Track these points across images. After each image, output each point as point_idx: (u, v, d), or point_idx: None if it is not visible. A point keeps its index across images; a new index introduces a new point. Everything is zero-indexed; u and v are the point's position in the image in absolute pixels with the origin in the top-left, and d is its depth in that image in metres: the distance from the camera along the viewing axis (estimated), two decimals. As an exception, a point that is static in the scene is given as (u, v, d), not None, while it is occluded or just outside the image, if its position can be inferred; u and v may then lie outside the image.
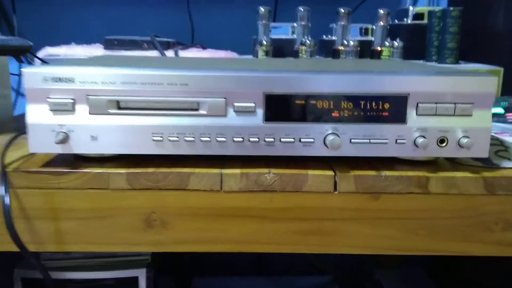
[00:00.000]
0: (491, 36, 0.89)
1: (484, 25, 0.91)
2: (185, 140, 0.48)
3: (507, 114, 0.73)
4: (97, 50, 0.94)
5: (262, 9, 0.92)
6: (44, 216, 0.49)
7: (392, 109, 0.47)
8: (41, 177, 0.48)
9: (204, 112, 0.47)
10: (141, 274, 0.71)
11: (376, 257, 1.28)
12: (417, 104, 0.47)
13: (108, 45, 0.93)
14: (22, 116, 0.75)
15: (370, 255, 1.20)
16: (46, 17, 1.21)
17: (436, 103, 0.47)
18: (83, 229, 0.49)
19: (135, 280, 0.71)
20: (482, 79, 0.47)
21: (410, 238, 0.50)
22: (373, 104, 0.47)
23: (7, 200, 0.47)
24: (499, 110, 0.73)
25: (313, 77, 0.47)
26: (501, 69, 0.81)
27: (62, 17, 1.21)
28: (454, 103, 0.47)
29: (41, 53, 0.89)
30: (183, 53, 0.94)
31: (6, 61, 0.79)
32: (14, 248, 0.48)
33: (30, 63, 1.03)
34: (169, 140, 0.48)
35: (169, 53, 0.91)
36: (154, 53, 0.90)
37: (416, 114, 0.48)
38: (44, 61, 0.74)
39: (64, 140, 0.47)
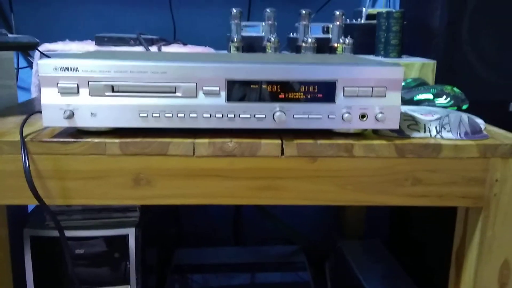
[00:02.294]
0: (430, 33, 1.03)
1: (425, 23, 1.06)
2: (165, 116, 0.61)
3: (435, 99, 0.87)
4: (89, 46, 1.06)
5: (234, 10, 1.06)
6: (54, 176, 0.62)
7: (324, 91, 0.62)
8: (51, 146, 0.61)
9: (180, 95, 0.61)
10: (130, 233, 0.84)
11: (340, 229, 1.43)
12: (344, 88, 0.62)
13: (99, 41, 1.05)
14: (25, 103, 0.88)
15: (333, 227, 1.36)
16: (41, 16, 1.31)
17: (358, 87, 0.62)
18: (84, 186, 0.63)
19: (125, 237, 0.84)
20: (392, 69, 0.61)
21: (341, 192, 0.64)
22: (310, 88, 0.62)
23: (26, 163, 0.60)
24: (429, 96, 0.87)
25: (264, 67, 0.61)
26: (434, 62, 0.96)
27: (56, 16, 1.32)
28: (372, 87, 0.62)
29: (40, 48, 1.01)
30: (166, 49, 1.06)
31: (12, 55, 0.91)
32: (33, 201, 0.61)
33: (29, 57, 1.15)
34: (153, 116, 0.61)
35: (153, 49, 1.04)
36: (140, 49, 1.03)
37: (343, 95, 0.62)
38: (46, 55, 0.87)
39: (70, 116, 0.60)
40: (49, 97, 0.60)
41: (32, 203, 0.62)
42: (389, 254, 1.24)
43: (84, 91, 0.60)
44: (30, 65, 1.32)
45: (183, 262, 1.16)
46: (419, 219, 1.22)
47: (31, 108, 0.83)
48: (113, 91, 0.60)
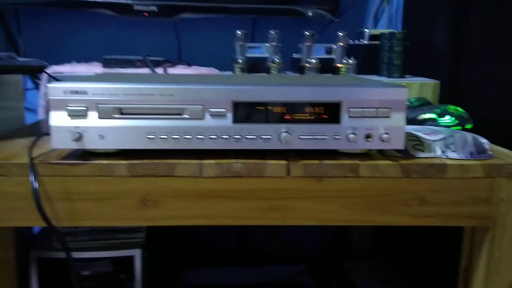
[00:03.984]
0: (433, 54, 1.04)
1: (428, 43, 1.07)
2: (172, 138, 0.62)
3: (439, 119, 0.88)
4: (96, 68, 1.08)
5: (239, 32, 1.07)
6: (62, 198, 0.63)
7: (329, 112, 0.62)
8: (60, 168, 0.62)
9: (187, 116, 0.62)
10: (137, 254, 0.84)
11: (346, 248, 1.42)
12: (348, 108, 0.62)
13: (106, 63, 1.07)
14: (33, 125, 0.89)
15: (340, 247, 1.35)
16: (48, 38, 1.33)
17: (362, 108, 0.62)
18: (92, 208, 0.63)
19: (131, 258, 0.84)
20: (396, 90, 0.62)
21: (347, 212, 0.64)
22: (316, 109, 0.62)
23: (35, 185, 0.60)
24: (433, 115, 0.88)
25: (270, 89, 0.62)
26: (438, 82, 0.97)
27: (63, 38, 1.34)
28: (376, 108, 0.62)
29: (47, 71, 1.03)
30: (171, 70, 1.08)
31: (19, 78, 0.93)
32: (41, 223, 0.61)
33: (37, 79, 1.17)
34: (160, 138, 0.62)
35: (159, 70, 1.05)
36: (146, 70, 1.04)
37: (348, 116, 0.62)
38: (55, 78, 0.88)
39: (79, 138, 0.61)
40: (58, 120, 0.61)
41: (40, 225, 0.63)
42: (396, 275, 1.23)
43: (92, 114, 0.61)
44: (36, 86, 1.33)
45: (190, 283, 1.15)
46: (425, 239, 1.22)
47: (38, 130, 0.84)
48: (121, 113, 0.61)
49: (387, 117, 0.63)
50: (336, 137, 0.63)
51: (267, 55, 1.11)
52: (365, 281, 1.21)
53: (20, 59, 0.75)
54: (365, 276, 1.25)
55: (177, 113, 0.62)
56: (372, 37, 1.13)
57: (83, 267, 0.84)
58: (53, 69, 1.04)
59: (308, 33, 1.07)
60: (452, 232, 0.78)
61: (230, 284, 1.18)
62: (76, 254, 0.83)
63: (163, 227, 0.99)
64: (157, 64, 1.06)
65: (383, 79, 1.03)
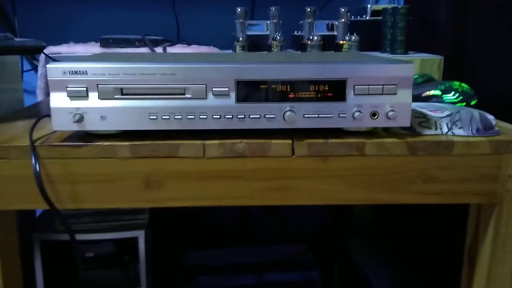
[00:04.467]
0: (436, 29, 1.03)
1: (431, 18, 1.05)
2: (175, 118, 0.61)
3: (444, 95, 0.87)
4: (94, 48, 1.06)
5: (239, 9, 1.05)
6: (64, 180, 0.62)
7: (334, 90, 0.61)
8: (61, 150, 0.61)
9: (189, 96, 0.61)
10: (140, 235, 0.84)
11: (347, 226, 1.43)
12: (354, 86, 0.61)
13: (104, 43, 1.05)
14: (32, 107, 0.88)
15: (341, 226, 1.35)
16: (44, 18, 1.31)
17: (368, 85, 0.61)
18: (95, 190, 0.62)
19: (135, 240, 0.84)
20: (403, 66, 0.61)
21: (352, 191, 0.64)
22: (320, 87, 0.61)
23: (37, 168, 0.60)
24: (437, 92, 0.87)
25: (274, 67, 0.61)
26: (441, 58, 0.96)
27: (60, 18, 1.32)
28: (382, 85, 0.61)
29: (45, 51, 1.01)
30: (170, 49, 1.06)
31: (17, 59, 0.91)
32: (44, 206, 0.61)
33: (34, 60, 1.15)
34: (162, 119, 0.61)
35: (158, 50, 1.03)
36: (145, 50, 1.02)
37: (353, 94, 0.61)
38: (52, 59, 0.86)
39: (80, 120, 0.60)
40: (58, 101, 0.60)
41: (42, 208, 0.62)
42: (397, 253, 1.24)
43: (93, 94, 0.60)
44: (34, 68, 1.31)
45: (191, 263, 1.15)
46: (428, 217, 1.22)
47: (38, 112, 0.83)
48: (122, 94, 0.60)
49: (394, 94, 0.61)
50: (341, 115, 0.62)
51: (267, 32, 1.09)
52: (366, 259, 1.22)
53: (17, 39, 0.73)
54: (366, 255, 1.25)
55: (179, 93, 0.60)
56: (374, 13, 1.11)
57: (86, 249, 0.84)
58: (50, 49, 1.03)
59: (309, 9, 1.05)
60: (455, 210, 0.78)
61: (232, 264, 1.19)
62: (79, 236, 0.82)
63: (165, 209, 0.98)
64: (156, 43, 1.05)
65: (386, 55, 1.02)
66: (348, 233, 1.42)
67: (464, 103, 0.82)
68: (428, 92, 0.85)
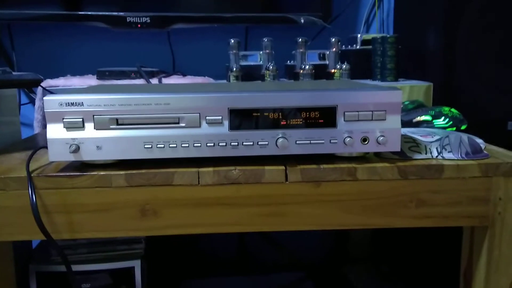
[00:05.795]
0: (425, 56, 1.05)
1: (420, 46, 1.08)
2: (170, 147, 0.62)
3: (434, 120, 0.89)
4: (91, 80, 1.08)
5: (232, 40, 1.08)
6: (60, 210, 0.62)
7: (325, 117, 0.63)
8: (58, 180, 0.62)
9: (183, 125, 0.62)
10: (136, 265, 0.84)
11: (345, 251, 1.42)
12: (344, 112, 0.63)
13: (101, 75, 1.07)
14: (29, 139, 0.89)
15: (340, 253, 1.35)
16: (42, 52, 1.34)
17: (358, 111, 0.63)
18: (91, 219, 0.63)
19: (131, 270, 0.84)
20: (391, 93, 0.63)
21: (346, 216, 0.64)
22: (311, 114, 0.63)
23: (33, 198, 0.60)
24: (428, 117, 0.89)
25: (265, 95, 0.62)
26: (431, 84, 0.98)
27: (57, 52, 1.34)
28: (372, 111, 0.63)
29: (42, 84, 1.03)
30: (166, 80, 1.08)
31: (15, 92, 0.93)
32: (40, 237, 0.61)
33: (32, 93, 1.17)
34: (157, 147, 0.62)
35: (154, 81, 1.05)
36: (141, 81, 1.04)
37: (344, 120, 0.63)
38: (49, 91, 0.88)
39: (76, 150, 0.61)
40: (55, 132, 0.61)
41: (38, 238, 0.63)
42: (396, 278, 1.23)
43: (89, 125, 0.61)
44: (31, 101, 1.33)
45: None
46: (425, 241, 1.22)
47: (34, 144, 0.84)
48: (117, 124, 0.61)
49: (383, 119, 0.63)
50: (332, 141, 0.63)
51: (261, 62, 1.12)
52: (365, 285, 1.21)
53: (15, 73, 0.75)
54: (365, 281, 1.25)
55: (173, 122, 0.62)
56: (364, 42, 1.14)
57: (83, 280, 0.84)
58: (47, 82, 1.05)
59: (301, 40, 1.08)
60: (451, 233, 0.79)
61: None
62: (76, 267, 0.82)
63: (162, 238, 0.99)
64: (152, 75, 1.07)
65: (377, 83, 1.04)
66: (347, 259, 1.42)
67: (454, 128, 0.84)
68: (419, 117, 0.87)
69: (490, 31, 1.02)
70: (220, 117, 0.62)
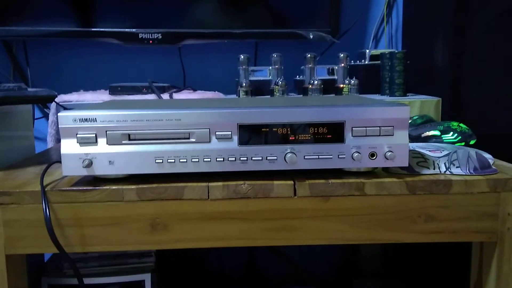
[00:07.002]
0: (434, 71, 1.06)
1: (428, 61, 1.09)
2: (180, 162, 0.63)
3: (443, 135, 0.89)
4: (103, 95, 1.10)
5: (242, 56, 1.10)
6: (73, 224, 0.64)
7: (333, 132, 0.63)
8: (71, 194, 0.63)
9: (194, 140, 0.63)
10: (147, 278, 0.85)
11: (355, 266, 1.42)
12: (352, 128, 0.63)
13: (113, 91, 1.09)
14: (42, 153, 0.91)
15: (350, 268, 1.35)
16: (56, 68, 1.37)
17: (366, 127, 0.63)
18: (103, 233, 0.64)
19: (141, 283, 0.85)
20: (398, 108, 0.63)
21: (354, 230, 0.65)
22: (320, 129, 0.63)
23: (47, 212, 0.62)
24: (437, 132, 0.89)
25: (274, 111, 0.63)
26: (439, 99, 0.98)
27: (70, 67, 1.37)
28: (379, 127, 0.63)
29: (56, 100, 1.05)
30: (177, 95, 1.10)
31: (29, 107, 0.95)
32: (53, 250, 0.62)
33: (46, 108, 1.19)
34: (168, 162, 0.63)
35: (165, 96, 1.07)
36: (152, 96, 1.06)
37: (352, 135, 0.64)
38: (63, 107, 0.90)
39: (89, 165, 0.62)
40: (68, 147, 0.62)
41: (52, 251, 0.64)
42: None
43: (102, 140, 0.63)
44: (45, 115, 1.36)
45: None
46: (435, 257, 1.21)
47: (48, 158, 0.86)
48: (129, 139, 0.63)
49: (390, 135, 0.64)
50: (340, 156, 0.64)
51: (270, 78, 1.13)
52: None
53: (30, 89, 0.77)
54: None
55: (184, 137, 0.63)
56: (373, 57, 1.15)
57: (93, 293, 0.85)
58: (61, 98, 1.07)
59: (310, 55, 1.09)
60: (460, 248, 0.78)
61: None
62: (87, 280, 0.83)
63: (172, 252, 0.99)
64: (163, 90, 1.08)
65: (385, 98, 1.04)
66: (357, 274, 1.41)
67: (463, 143, 0.84)
68: (427, 132, 0.87)
69: (498, 46, 1.03)
70: (230, 133, 0.63)
